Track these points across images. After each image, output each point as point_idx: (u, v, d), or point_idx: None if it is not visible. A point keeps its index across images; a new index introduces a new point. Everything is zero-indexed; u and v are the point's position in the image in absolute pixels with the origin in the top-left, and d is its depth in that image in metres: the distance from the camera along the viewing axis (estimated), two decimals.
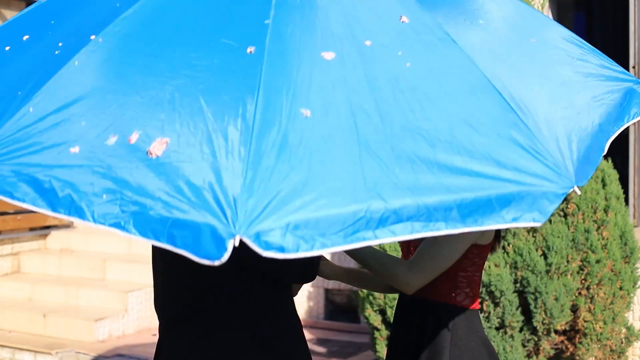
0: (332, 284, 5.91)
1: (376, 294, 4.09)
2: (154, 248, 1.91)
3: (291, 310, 1.95)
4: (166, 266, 1.90)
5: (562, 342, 4.13)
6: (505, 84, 1.56)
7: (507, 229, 2.45)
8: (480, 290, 3.91)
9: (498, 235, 2.23)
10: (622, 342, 4.20)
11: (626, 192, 5.11)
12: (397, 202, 1.27)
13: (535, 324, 3.95)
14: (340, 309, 6.15)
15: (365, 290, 4.14)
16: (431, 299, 2.18)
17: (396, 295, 4.00)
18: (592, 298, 4.05)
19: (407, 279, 2.05)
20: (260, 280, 1.84)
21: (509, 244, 3.99)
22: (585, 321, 4.05)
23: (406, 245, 2.27)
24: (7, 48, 1.65)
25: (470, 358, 2.17)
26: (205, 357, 1.82)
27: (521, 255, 3.92)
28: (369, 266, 2.12)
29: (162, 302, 1.94)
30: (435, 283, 2.12)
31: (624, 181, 5.07)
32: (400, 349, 2.29)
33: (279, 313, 1.90)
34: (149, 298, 6.03)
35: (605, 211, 4.10)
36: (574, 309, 4.06)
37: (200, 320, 1.83)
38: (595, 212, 4.05)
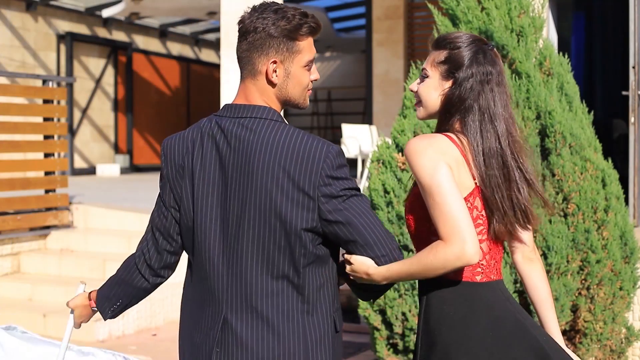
0: None
1: None
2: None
3: None
4: None
5: None
6: None
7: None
8: None
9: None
10: (622, 342, 4.20)
11: (626, 192, 5.10)
12: None
13: None
14: (341, 309, 6.14)
15: None
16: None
17: (396, 295, 4.01)
18: (592, 298, 4.05)
19: (455, 252, 1.90)
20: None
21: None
22: (585, 321, 4.05)
23: (410, 223, 2.16)
24: None
25: (478, 341, 2.01)
26: None
27: None
28: (417, 277, 2.00)
29: None
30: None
31: (624, 181, 5.07)
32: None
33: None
34: (149, 298, 6.04)
35: (605, 211, 4.10)
36: (574, 309, 4.06)
37: None
38: (595, 212, 4.05)
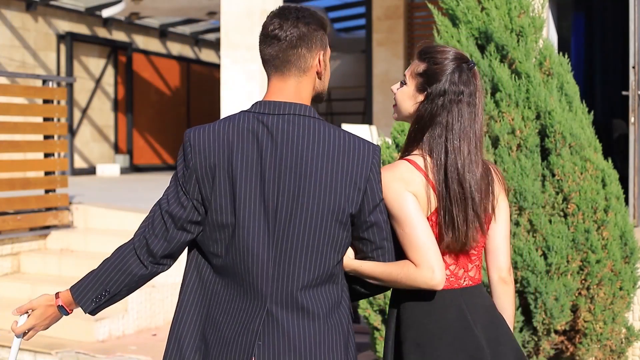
0: None
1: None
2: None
3: None
4: None
5: (562, 342, 4.13)
6: None
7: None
8: None
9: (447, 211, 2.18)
10: (622, 342, 4.20)
11: (626, 192, 5.10)
12: None
13: (535, 324, 3.95)
14: None
15: None
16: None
17: None
18: (592, 298, 4.05)
19: (424, 279, 2.08)
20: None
21: None
22: (585, 321, 4.04)
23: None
24: None
25: (429, 340, 2.16)
26: None
27: (521, 255, 3.92)
28: (381, 283, 2.15)
29: None
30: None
31: (624, 181, 5.07)
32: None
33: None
34: (149, 298, 6.04)
35: (605, 211, 4.10)
36: (574, 309, 4.06)
37: None
38: (595, 212, 4.05)
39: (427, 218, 2.16)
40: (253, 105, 2.07)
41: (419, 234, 2.08)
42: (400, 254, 2.15)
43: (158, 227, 2.08)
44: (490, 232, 2.27)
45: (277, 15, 2.08)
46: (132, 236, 2.14)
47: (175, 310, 2.16)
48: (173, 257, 2.14)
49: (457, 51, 2.25)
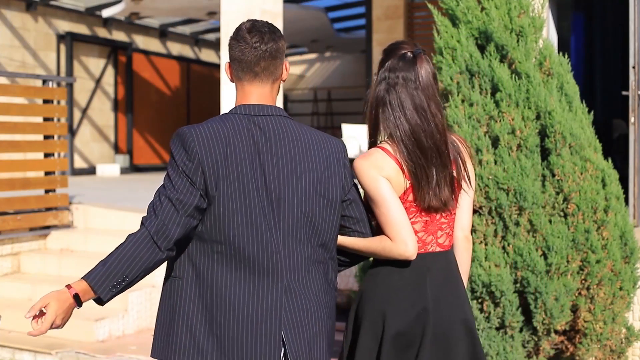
0: None
1: None
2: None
3: None
4: None
5: (562, 342, 4.13)
6: None
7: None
8: (480, 290, 3.92)
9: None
10: (622, 342, 4.20)
11: (626, 192, 5.10)
12: None
13: (535, 324, 3.95)
14: (340, 309, 6.14)
15: None
16: None
17: None
18: (592, 298, 4.05)
19: (399, 251, 2.44)
20: None
21: (509, 244, 3.99)
22: (585, 321, 4.05)
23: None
24: None
25: (380, 288, 2.51)
26: None
27: (521, 255, 3.92)
28: (363, 254, 2.54)
29: None
30: None
31: (624, 181, 5.07)
32: None
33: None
34: (149, 298, 6.04)
35: (605, 211, 4.10)
36: (574, 309, 4.06)
37: None
38: (595, 213, 4.05)
39: (401, 197, 2.47)
40: (240, 107, 2.37)
41: (393, 213, 2.42)
42: (379, 229, 2.50)
43: (171, 214, 2.24)
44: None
45: (254, 29, 2.38)
46: (142, 225, 2.26)
47: (172, 305, 2.33)
48: (178, 243, 2.30)
49: (407, 43, 2.57)
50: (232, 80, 2.45)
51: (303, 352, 2.31)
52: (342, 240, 2.50)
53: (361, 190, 2.54)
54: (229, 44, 2.42)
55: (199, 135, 2.27)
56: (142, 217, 2.28)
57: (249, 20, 2.43)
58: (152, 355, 2.38)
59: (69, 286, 2.24)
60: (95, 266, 2.25)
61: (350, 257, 2.58)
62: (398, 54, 2.53)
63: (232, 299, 2.26)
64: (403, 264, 2.48)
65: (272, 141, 2.32)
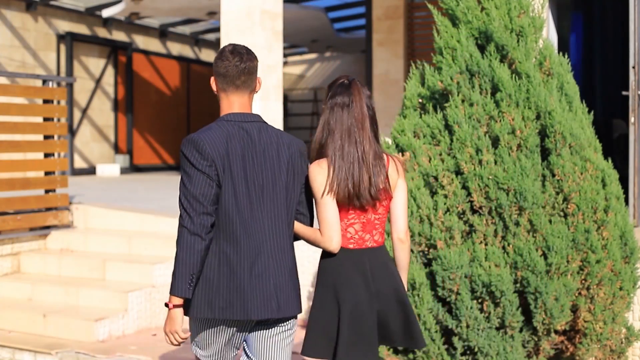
0: None
1: None
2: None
3: None
4: None
5: (562, 342, 4.13)
6: None
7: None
8: (480, 290, 3.92)
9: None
10: (622, 342, 4.20)
11: (626, 192, 5.11)
12: None
13: (535, 324, 3.95)
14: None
15: None
16: None
17: None
18: (592, 298, 4.05)
19: (325, 244, 3.01)
20: None
21: (509, 244, 3.99)
22: (585, 321, 4.05)
23: None
24: None
25: (325, 277, 3.07)
26: None
27: (521, 255, 3.92)
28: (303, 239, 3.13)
29: None
30: None
31: (624, 181, 5.08)
32: None
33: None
34: (149, 298, 6.04)
35: (605, 211, 4.10)
36: (574, 309, 4.06)
37: None
38: (595, 212, 4.05)
39: (337, 199, 3.00)
40: (230, 115, 2.98)
41: (327, 214, 2.98)
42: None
43: (205, 210, 2.84)
44: (391, 205, 3.11)
45: (235, 51, 3.02)
46: (180, 226, 2.84)
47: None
48: None
49: (345, 76, 3.12)
50: (216, 92, 3.05)
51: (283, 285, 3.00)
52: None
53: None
54: (214, 63, 3.01)
55: (207, 139, 2.88)
56: (179, 219, 2.84)
57: (230, 44, 3.06)
58: (192, 316, 2.95)
59: (166, 304, 2.89)
60: (172, 279, 2.85)
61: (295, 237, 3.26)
62: (336, 84, 3.10)
63: (238, 244, 2.96)
64: (346, 256, 3.04)
65: (255, 142, 2.97)
